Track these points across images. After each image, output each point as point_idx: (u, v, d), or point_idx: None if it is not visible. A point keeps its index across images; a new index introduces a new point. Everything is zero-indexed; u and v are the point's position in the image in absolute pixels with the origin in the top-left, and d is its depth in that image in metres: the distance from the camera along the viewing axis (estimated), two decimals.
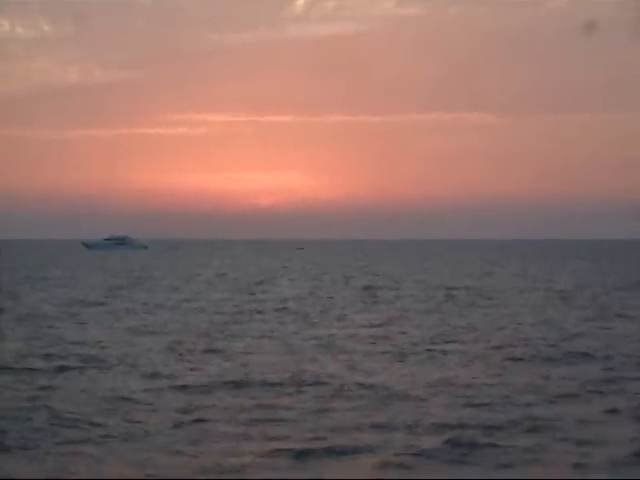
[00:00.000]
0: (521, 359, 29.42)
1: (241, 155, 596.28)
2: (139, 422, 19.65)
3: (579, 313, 46.79)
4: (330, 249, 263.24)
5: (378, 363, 28.62)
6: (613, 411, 20.74)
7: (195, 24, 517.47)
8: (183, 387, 24.04)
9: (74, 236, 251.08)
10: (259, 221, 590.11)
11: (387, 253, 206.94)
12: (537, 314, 45.93)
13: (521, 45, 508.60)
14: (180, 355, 30.47)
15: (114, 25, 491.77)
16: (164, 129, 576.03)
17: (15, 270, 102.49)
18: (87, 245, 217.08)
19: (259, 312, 47.93)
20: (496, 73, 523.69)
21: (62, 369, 27.09)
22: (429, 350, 31.66)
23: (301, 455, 16.83)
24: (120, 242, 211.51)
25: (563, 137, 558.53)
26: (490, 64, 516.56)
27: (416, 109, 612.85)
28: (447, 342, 33.94)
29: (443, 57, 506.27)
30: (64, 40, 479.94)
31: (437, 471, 15.74)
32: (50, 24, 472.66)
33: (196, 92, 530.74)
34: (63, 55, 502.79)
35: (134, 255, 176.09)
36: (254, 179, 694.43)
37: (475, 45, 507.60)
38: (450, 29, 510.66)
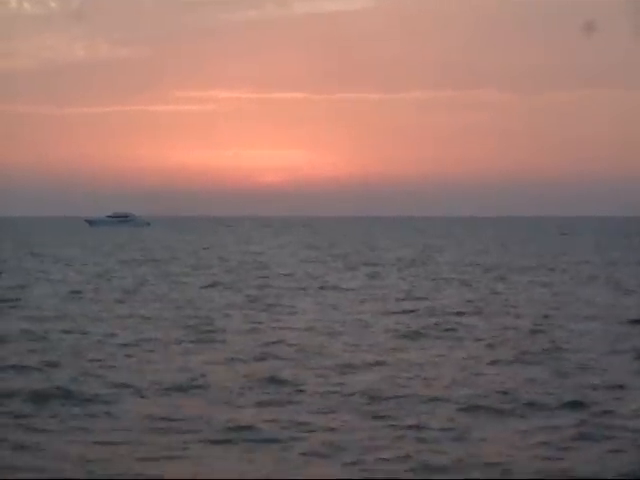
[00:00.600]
0: None
1: (248, 132, 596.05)
2: None
3: None
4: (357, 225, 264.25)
5: None
6: None
7: (203, 1, 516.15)
8: None
9: (76, 213, 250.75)
10: (265, 198, 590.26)
11: (410, 231, 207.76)
12: None
13: (529, 21, 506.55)
14: None
15: (121, 2, 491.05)
16: (172, 106, 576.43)
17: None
18: (90, 222, 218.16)
19: None
20: (502, 49, 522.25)
21: None
22: None
23: None
24: (123, 219, 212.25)
25: (570, 114, 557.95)
26: (496, 40, 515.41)
27: (423, 86, 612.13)
28: None
29: (450, 34, 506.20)
30: (71, 17, 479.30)
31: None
32: (57, 1, 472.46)
33: (204, 69, 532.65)
34: (70, 32, 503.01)
35: (147, 232, 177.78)
36: (261, 156, 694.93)
37: (483, 21, 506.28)
38: (458, 5, 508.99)
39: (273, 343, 28.74)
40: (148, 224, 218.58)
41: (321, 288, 49.93)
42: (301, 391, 21.19)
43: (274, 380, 22.33)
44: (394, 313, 37.33)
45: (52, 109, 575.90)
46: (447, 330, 31.84)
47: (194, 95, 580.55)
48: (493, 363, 25.01)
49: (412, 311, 37.81)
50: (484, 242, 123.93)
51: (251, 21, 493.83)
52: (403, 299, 43.48)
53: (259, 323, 33.99)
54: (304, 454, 16.10)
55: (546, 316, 35.77)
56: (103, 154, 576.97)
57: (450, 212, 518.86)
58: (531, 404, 19.68)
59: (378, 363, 25.04)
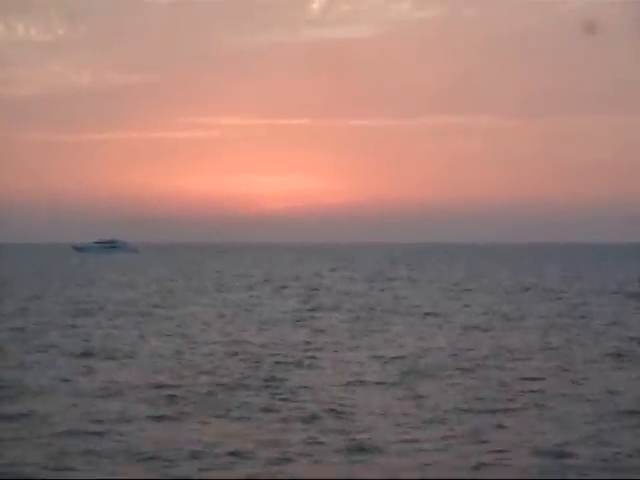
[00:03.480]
0: None
1: (255, 158, 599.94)
2: None
3: None
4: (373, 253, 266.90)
5: None
6: None
7: (210, 27, 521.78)
8: None
9: (65, 240, 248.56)
10: (272, 224, 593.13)
11: (419, 256, 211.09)
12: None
13: (531, 48, 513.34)
14: None
15: (128, 28, 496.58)
16: (178, 132, 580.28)
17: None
18: (78, 249, 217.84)
19: None
20: (505, 76, 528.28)
21: None
22: None
23: None
24: (111, 245, 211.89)
25: (571, 140, 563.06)
26: (499, 67, 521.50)
27: (428, 112, 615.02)
28: None
29: (455, 60, 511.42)
30: (78, 43, 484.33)
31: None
32: (64, 27, 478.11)
33: (211, 95, 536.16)
34: (77, 58, 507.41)
35: (131, 258, 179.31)
36: (266, 183, 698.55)
37: (485, 48, 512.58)
38: (464, 31, 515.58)
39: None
40: (137, 250, 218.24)
41: (427, 314, 52.23)
42: None
43: None
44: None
45: (56, 136, 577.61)
46: None
47: (200, 121, 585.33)
48: None
49: None
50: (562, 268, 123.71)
51: (258, 47, 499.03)
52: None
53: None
54: None
55: None
56: (103, 181, 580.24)
57: (454, 238, 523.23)
58: None
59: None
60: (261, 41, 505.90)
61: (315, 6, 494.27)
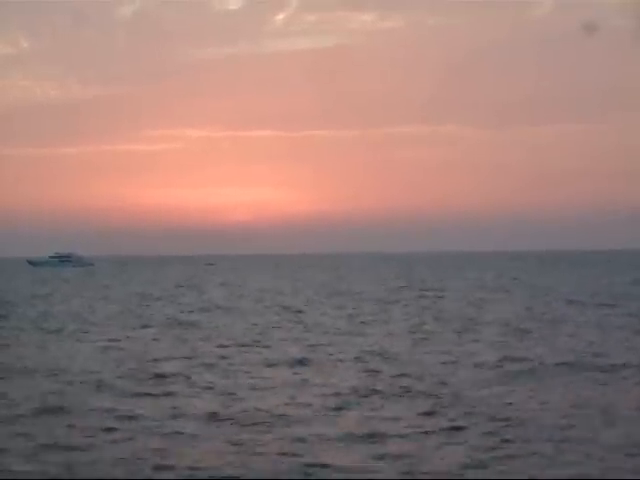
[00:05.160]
0: None
1: (219, 170, 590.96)
2: None
3: None
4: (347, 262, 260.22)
5: None
6: None
7: (175, 39, 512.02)
8: None
9: (36, 253, 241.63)
10: (237, 236, 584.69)
11: (403, 266, 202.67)
12: None
13: (497, 58, 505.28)
14: None
15: (93, 41, 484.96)
16: (143, 145, 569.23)
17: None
18: (32, 263, 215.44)
19: None
20: (471, 85, 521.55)
21: None
22: None
23: None
24: (66, 259, 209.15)
25: (542, 149, 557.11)
26: (465, 77, 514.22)
27: (395, 122, 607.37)
28: None
29: (422, 70, 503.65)
30: (42, 56, 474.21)
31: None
32: (28, 40, 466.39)
33: (175, 107, 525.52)
34: (41, 72, 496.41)
35: (84, 272, 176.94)
36: (229, 194, 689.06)
37: (454, 57, 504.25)
38: (429, 42, 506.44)
39: None
40: (92, 264, 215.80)
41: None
42: None
43: None
44: None
45: (18, 150, 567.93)
46: None
47: (164, 134, 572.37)
48: None
49: None
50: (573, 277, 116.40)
51: (224, 59, 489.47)
52: None
53: None
54: None
55: None
56: (62, 194, 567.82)
57: (422, 247, 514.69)
58: None
59: None
60: (225, 53, 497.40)
61: (279, 17, 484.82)
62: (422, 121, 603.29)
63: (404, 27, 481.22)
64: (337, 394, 25.08)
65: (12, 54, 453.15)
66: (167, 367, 31.32)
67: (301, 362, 32.17)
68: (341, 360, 32.85)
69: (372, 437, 19.35)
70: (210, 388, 26.69)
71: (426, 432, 19.76)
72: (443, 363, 31.31)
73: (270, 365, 31.80)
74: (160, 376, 29.02)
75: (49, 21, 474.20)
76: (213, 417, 21.89)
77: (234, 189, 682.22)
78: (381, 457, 17.62)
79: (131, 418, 21.87)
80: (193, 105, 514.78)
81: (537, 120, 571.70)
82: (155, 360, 33.34)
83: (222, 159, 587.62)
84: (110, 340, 41.29)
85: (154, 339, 41.83)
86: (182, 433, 20.01)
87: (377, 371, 29.69)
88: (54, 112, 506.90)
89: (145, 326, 49.07)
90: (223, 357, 34.35)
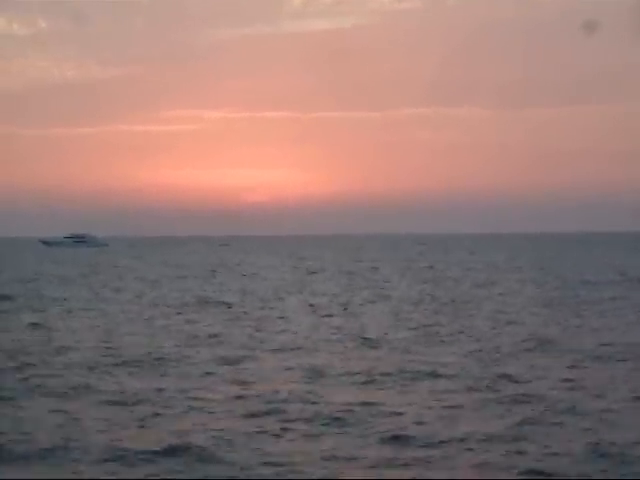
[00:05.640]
0: None
1: (237, 151, 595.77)
2: None
3: None
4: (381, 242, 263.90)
5: None
6: None
7: (192, 20, 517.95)
8: None
9: (51, 233, 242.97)
10: (254, 217, 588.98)
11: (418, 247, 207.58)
12: None
13: (514, 38, 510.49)
14: None
15: (111, 22, 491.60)
16: (159, 126, 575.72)
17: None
18: (46, 243, 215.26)
19: None
20: (488, 66, 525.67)
21: None
22: None
23: None
24: (80, 240, 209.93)
25: (551, 130, 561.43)
26: (482, 57, 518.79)
27: (410, 103, 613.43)
28: None
29: (437, 51, 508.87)
30: (61, 37, 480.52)
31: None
32: (47, 21, 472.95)
33: (193, 88, 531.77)
34: (60, 52, 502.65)
35: (100, 252, 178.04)
36: (248, 175, 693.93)
37: (470, 39, 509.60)
38: (445, 22, 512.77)
39: None
40: (106, 244, 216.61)
41: None
42: None
43: None
44: None
45: (36, 130, 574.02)
46: None
47: (181, 114, 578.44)
48: None
49: None
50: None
51: (241, 40, 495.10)
52: None
53: None
54: None
55: None
56: (89, 175, 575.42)
57: (433, 229, 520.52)
58: None
59: None
60: (243, 34, 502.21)
61: None
62: (440, 102, 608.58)
63: (422, 7, 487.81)
64: None
65: (30, 34, 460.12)
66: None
67: None
68: None
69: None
70: None
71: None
72: None
73: None
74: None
75: (67, 2, 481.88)
76: None
77: (250, 170, 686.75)
78: None
79: None
80: (210, 86, 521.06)
81: (552, 102, 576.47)
82: None
83: (238, 140, 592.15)
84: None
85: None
86: None
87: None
88: (71, 92, 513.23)
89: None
90: None
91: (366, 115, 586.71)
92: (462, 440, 18.11)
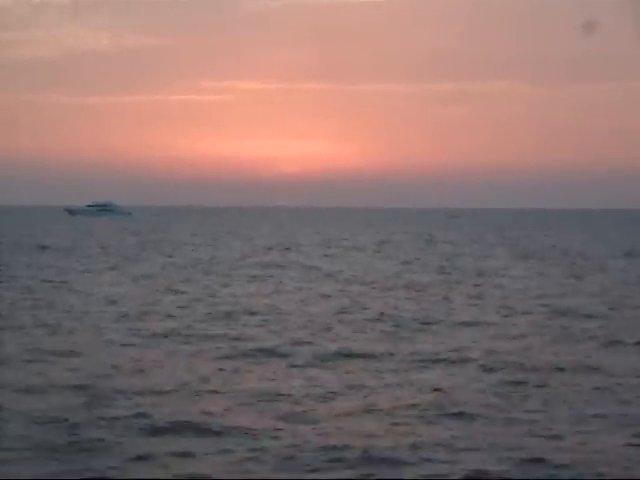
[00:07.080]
0: None
1: (270, 122, 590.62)
2: None
3: None
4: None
5: None
6: None
7: None
8: None
9: (76, 202, 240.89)
10: (286, 188, 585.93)
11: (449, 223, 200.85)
12: None
13: (552, 13, 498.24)
14: None
15: None
16: (193, 96, 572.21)
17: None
18: (71, 212, 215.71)
19: None
20: (524, 42, 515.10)
21: None
22: None
23: None
24: (103, 208, 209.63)
25: (596, 106, 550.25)
26: (516, 32, 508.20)
27: (449, 78, 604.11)
28: None
29: (478, 25, 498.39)
30: (96, 6, 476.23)
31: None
32: None
33: (227, 59, 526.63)
34: (95, 21, 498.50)
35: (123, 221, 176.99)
36: (282, 146, 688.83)
37: (512, 13, 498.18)
38: None
39: None
40: (129, 213, 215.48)
41: None
42: None
43: None
44: None
45: (71, 98, 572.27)
46: None
47: (217, 85, 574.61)
48: None
49: None
50: None
51: (276, 11, 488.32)
52: None
53: None
54: None
55: None
56: (121, 143, 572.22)
57: (469, 203, 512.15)
58: None
59: None
60: (279, 5, 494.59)
61: None
62: (472, 77, 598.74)
63: None
64: None
65: (67, 4, 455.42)
66: None
67: None
68: None
69: None
70: None
71: None
72: None
73: None
74: None
75: None
76: None
77: (284, 141, 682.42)
78: None
79: None
80: (247, 57, 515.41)
81: (592, 77, 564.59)
82: None
83: (274, 111, 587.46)
84: None
85: None
86: None
87: None
88: (107, 62, 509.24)
89: None
90: None
91: (402, 88, 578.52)
92: None
